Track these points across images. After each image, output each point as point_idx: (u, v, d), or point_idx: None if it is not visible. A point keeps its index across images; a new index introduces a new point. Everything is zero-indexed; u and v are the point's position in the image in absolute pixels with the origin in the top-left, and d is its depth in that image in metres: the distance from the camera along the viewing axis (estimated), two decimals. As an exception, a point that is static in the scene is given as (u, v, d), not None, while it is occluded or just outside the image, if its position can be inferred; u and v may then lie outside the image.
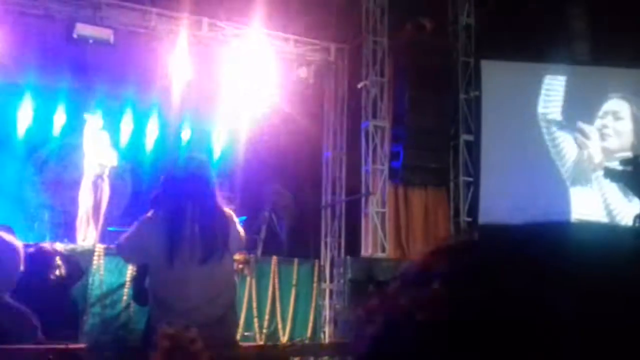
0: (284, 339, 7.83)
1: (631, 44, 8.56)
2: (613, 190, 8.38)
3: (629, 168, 4.96)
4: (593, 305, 0.32)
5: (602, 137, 8.81)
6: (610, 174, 5.16)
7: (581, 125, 8.75)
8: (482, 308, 0.33)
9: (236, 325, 3.27)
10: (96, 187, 7.74)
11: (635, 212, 8.13)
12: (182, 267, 2.78)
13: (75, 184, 8.41)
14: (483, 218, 8.51)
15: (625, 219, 8.38)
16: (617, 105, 8.87)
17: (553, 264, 0.34)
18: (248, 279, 7.79)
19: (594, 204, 8.68)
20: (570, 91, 8.76)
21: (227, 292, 2.93)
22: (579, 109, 8.84)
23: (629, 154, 8.59)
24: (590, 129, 8.80)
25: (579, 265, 0.33)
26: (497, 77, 8.80)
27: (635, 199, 7.79)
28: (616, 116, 8.84)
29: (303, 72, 8.55)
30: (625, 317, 0.31)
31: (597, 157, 8.79)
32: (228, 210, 3.10)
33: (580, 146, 8.76)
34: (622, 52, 8.82)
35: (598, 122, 8.85)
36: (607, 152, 8.78)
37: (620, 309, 0.31)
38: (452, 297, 0.35)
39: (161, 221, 2.82)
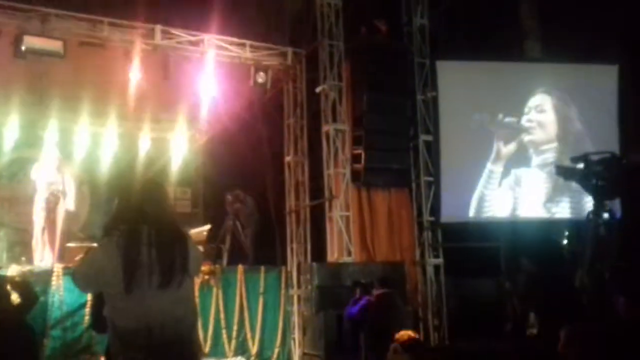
0: (253, 348, 7.79)
1: (555, 41, 8.92)
2: (545, 180, 8.85)
3: (580, 165, 5.07)
4: None
5: (528, 130, 9.12)
6: (562, 171, 5.27)
7: (508, 120, 9.01)
8: None
9: (199, 348, 3.21)
10: (49, 204, 7.50)
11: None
12: (140, 294, 2.70)
13: (30, 200, 8.16)
14: (445, 217, 8.64)
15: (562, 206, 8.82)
16: (539, 99, 9.21)
17: None
18: (214, 289, 7.72)
19: (536, 195, 9.02)
20: (501, 88, 9.00)
21: (189, 317, 2.86)
22: (510, 105, 9.08)
23: (555, 145, 8.99)
24: (517, 123, 9.09)
25: None
26: (452, 76, 8.95)
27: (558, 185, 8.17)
28: (538, 109, 9.16)
29: (261, 77, 8.48)
30: None
31: (529, 149, 9.11)
32: (185, 231, 3.05)
33: (509, 140, 9.02)
34: (549, 48, 9.19)
35: (524, 118, 9.15)
36: (534, 145, 9.09)
37: None
38: None
39: (116, 248, 2.74)
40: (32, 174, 7.69)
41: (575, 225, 7.87)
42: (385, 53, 8.71)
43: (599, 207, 4.99)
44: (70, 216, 8.16)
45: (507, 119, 8.97)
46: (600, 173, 5.01)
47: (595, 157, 5.15)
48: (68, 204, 7.70)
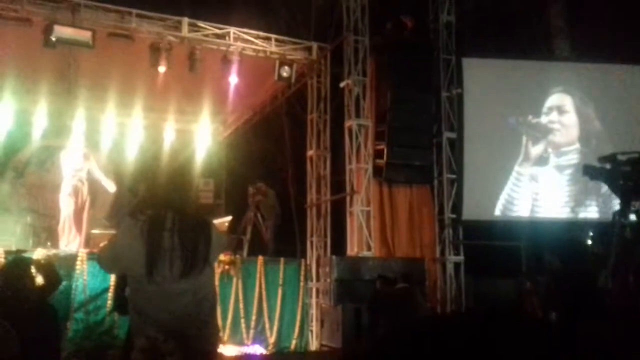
0: (271, 338, 7.85)
1: (583, 40, 8.71)
2: (566, 180, 8.73)
3: (607, 165, 4.98)
4: None
5: (550, 131, 8.91)
6: (588, 171, 5.18)
7: (537, 121, 8.86)
8: None
9: (217, 336, 3.25)
10: (76, 191, 7.65)
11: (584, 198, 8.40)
12: (161, 279, 2.75)
13: (57, 188, 8.33)
14: (467, 215, 8.57)
15: (584, 207, 8.73)
16: (560, 100, 8.96)
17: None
18: (234, 279, 7.78)
19: (556, 195, 8.87)
20: (526, 86, 8.83)
21: (207, 304, 2.90)
22: (533, 104, 8.90)
23: (577, 146, 8.81)
24: (543, 125, 8.92)
25: None
26: (478, 74, 8.85)
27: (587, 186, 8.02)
28: (561, 110, 8.94)
29: (285, 71, 8.50)
30: None
31: (549, 150, 8.95)
32: (209, 219, 3.08)
33: (537, 141, 8.87)
34: (577, 48, 8.97)
35: (544, 118, 8.94)
36: (555, 146, 8.91)
37: None
38: None
39: (140, 232, 2.79)
40: (61, 161, 7.85)
41: (600, 227, 7.74)
42: (410, 49, 8.66)
43: (625, 208, 4.90)
44: (95, 204, 8.31)
45: (536, 120, 8.85)
46: (627, 173, 4.91)
47: (623, 157, 5.05)
48: (108, 187, 7.95)
